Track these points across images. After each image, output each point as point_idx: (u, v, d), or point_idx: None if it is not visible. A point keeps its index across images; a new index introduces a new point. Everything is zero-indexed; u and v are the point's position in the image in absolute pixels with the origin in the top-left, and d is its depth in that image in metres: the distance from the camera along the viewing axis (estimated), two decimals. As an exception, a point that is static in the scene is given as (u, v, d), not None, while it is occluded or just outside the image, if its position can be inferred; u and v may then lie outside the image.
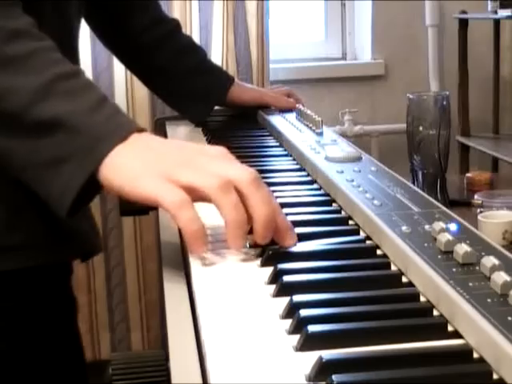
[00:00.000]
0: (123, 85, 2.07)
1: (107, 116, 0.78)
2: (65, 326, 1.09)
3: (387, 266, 0.71)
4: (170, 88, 1.45)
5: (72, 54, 1.05)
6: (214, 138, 1.32)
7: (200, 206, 0.74)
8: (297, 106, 1.40)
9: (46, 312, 1.03)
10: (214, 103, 1.48)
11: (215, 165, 0.75)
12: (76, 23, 1.08)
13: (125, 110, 2.09)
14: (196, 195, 0.73)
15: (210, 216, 0.77)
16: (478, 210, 1.18)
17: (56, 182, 0.76)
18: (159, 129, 1.55)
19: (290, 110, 1.43)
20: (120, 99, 2.08)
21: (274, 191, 0.95)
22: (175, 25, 1.46)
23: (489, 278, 0.60)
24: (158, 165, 0.75)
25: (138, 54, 1.42)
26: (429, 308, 0.62)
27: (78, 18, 1.09)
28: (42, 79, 0.78)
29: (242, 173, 0.74)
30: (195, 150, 0.78)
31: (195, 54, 1.47)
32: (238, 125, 1.49)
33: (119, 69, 2.03)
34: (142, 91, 2.05)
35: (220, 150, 0.78)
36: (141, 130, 0.79)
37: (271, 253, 0.73)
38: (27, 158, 0.78)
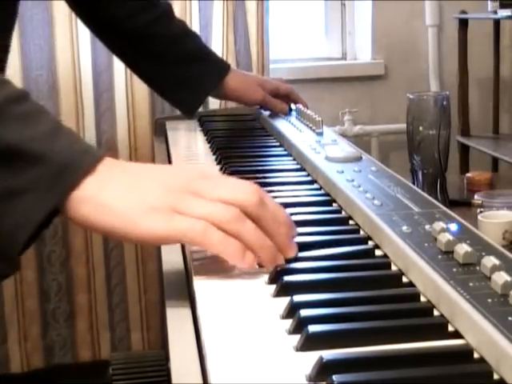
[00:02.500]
0: (123, 85, 2.07)
1: (69, 143, 0.68)
2: None
3: (387, 265, 0.71)
4: (160, 75, 1.40)
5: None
6: (213, 137, 1.32)
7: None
8: (297, 106, 1.40)
9: None
10: (207, 92, 1.43)
11: (216, 189, 0.68)
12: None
13: (125, 110, 2.09)
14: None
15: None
16: (478, 210, 1.18)
17: (9, 217, 0.65)
18: (159, 129, 1.55)
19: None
20: (120, 99, 2.08)
21: (274, 191, 0.96)
22: (167, 9, 1.40)
23: (489, 278, 0.60)
24: (154, 195, 0.67)
25: (126, 40, 1.37)
26: (429, 308, 0.62)
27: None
28: None
29: (247, 196, 0.68)
30: (181, 171, 0.72)
31: (188, 39, 1.41)
32: (237, 125, 1.49)
33: (119, 69, 2.02)
34: (142, 91, 2.05)
35: (210, 170, 0.73)
36: (103, 156, 0.69)
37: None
38: None
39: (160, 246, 0.73)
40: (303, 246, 0.75)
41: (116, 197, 0.66)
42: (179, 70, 1.38)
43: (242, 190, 0.70)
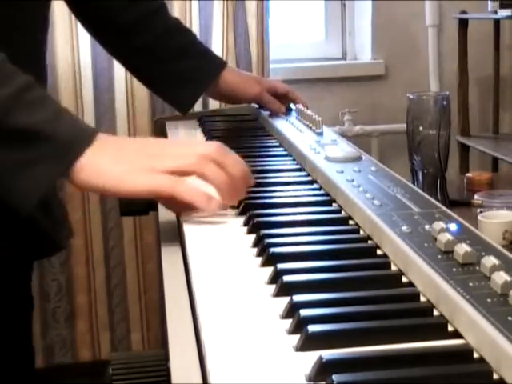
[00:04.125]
0: (123, 85, 2.07)
1: (71, 123, 0.84)
2: (19, 326, 1.11)
3: (387, 265, 0.71)
4: (153, 71, 1.38)
5: (37, 61, 1.04)
6: (213, 137, 1.32)
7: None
8: (297, 105, 1.40)
9: (1, 311, 1.04)
10: (203, 86, 1.41)
11: (184, 148, 0.86)
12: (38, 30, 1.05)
13: (125, 110, 2.09)
14: (180, 176, 0.83)
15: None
16: (478, 210, 1.18)
17: (25, 182, 0.81)
18: (159, 129, 1.55)
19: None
20: (120, 99, 2.08)
21: (274, 191, 0.96)
22: (160, 5, 1.38)
23: (489, 278, 0.60)
24: (137, 160, 0.83)
25: (118, 34, 1.34)
26: (429, 308, 0.62)
27: (41, 24, 1.05)
28: (10, 90, 0.82)
29: (209, 146, 0.87)
30: (159, 141, 0.92)
31: (182, 35, 1.39)
32: (237, 125, 1.49)
33: (119, 69, 2.02)
34: (142, 91, 2.05)
35: (176, 140, 0.87)
36: (99, 132, 0.85)
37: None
38: None
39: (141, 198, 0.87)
40: (303, 246, 0.75)
41: (107, 163, 0.83)
42: (174, 65, 1.36)
43: (203, 144, 0.93)
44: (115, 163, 0.83)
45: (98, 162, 0.82)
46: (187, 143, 0.92)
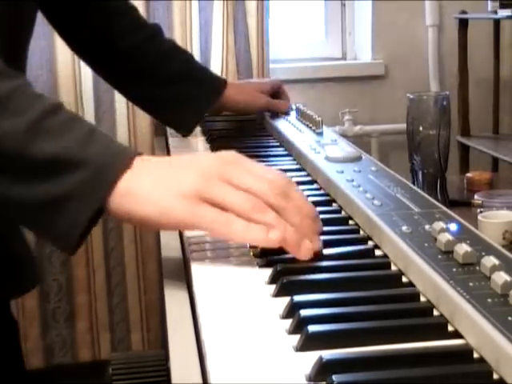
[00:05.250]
0: (123, 85, 2.07)
1: (104, 145, 0.73)
2: (5, 351, 1.08)
3: (387, 265, 0.71)
4: (152, 96, 1.35)
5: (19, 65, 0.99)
6: (213, 138, 1.32)
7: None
8: (297, 105, 1.40)
9: None
10: (203, 111, 1.38)
11: (245, 178, 0.72)
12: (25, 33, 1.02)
13: (125, 110, 2.09)
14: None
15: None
16: (478, 210, 1.17)
17: (61, 221, 0.71)
18: (159, 129, 1.55)
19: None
20: (120, 99, 2.08)
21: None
22: (156, 29, 1.36)
23: (489, 278, 0.60)
24: (190, 183, 0.71)
25: (117, 61, 1.32)
26: (429, 308, 0.62)
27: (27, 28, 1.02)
28: (29, 118, 0.72)
29: (271, 185, 0.72)
30: (214, 159, 0.75)
31: (180, 58, 1.37)
32: (238, 125, 1.49)
33: (119, 69, 2.02)
34: (142, 91, 2.05)
35: (235, 155, 0.75)
36: (140, 154, 0.75)
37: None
38: (25, 200, 0.72)
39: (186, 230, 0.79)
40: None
41: (149, 186, 0.71)
42: (173, 89, 1.33)
43: (268, 179, 0.73)
44: (158, 186, 0.71)
45: (137, 186, 0.71)
46: (246, 165, 0.75)
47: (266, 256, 0.73)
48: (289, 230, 0.70)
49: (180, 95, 1.34)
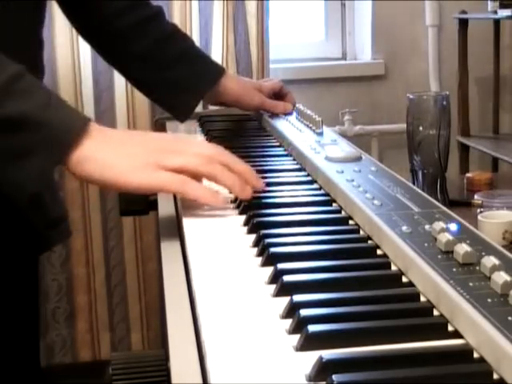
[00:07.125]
0: (123, 85, 2.07)
1: (64, 109, 0.84)
2: (27, 317, 1.13)
3: (387, 265, 0.71)
4: (150, 78, 1.35)
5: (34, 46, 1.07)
6: (213, 137, 1.32)
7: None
8: (297, 105, 1.40)
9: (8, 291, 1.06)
10: (199, 96, 1.38)
11: (189, 147, 0.87)
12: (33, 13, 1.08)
13: (125, 110, 2.09)
14: (186, 175, 0.84)
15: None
16: (478, 210, 1.18)
17: (19, 172, 0.80)
18: (159, 129, 1.55)
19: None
20: (120, 99, 2.08)
21: (274, 191, 0.96)
22: (157, 10, 1.36)
23: (489, 278, 0.60)
24: (142, 155, 0.84)
25: (114, 40, 1.32)
26: (429, 308, 0.62)
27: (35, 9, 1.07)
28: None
29: (211, 148, 0.89)
30: (161, 136, 0.93)
31: (180, 41, 1.37)
32: (238, 125, 1.49)
33: (119, 69, 2.02)
34: (142, 91, 2.05)
35: (175, 135, 0.87)
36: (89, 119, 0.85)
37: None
38: None
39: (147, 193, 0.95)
40: (303, 246, 0.75)
41: (112, 156, 0.83)
42: (171, 72, 1.33)
43: (206, 145, 0.95)
44: (120, 157, 0.83)
45: (102, 156, 0.82)
46: (187, 141, 0.92)
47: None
48: (237, 182, 0.87)
49: (176, 79, 1.34)
